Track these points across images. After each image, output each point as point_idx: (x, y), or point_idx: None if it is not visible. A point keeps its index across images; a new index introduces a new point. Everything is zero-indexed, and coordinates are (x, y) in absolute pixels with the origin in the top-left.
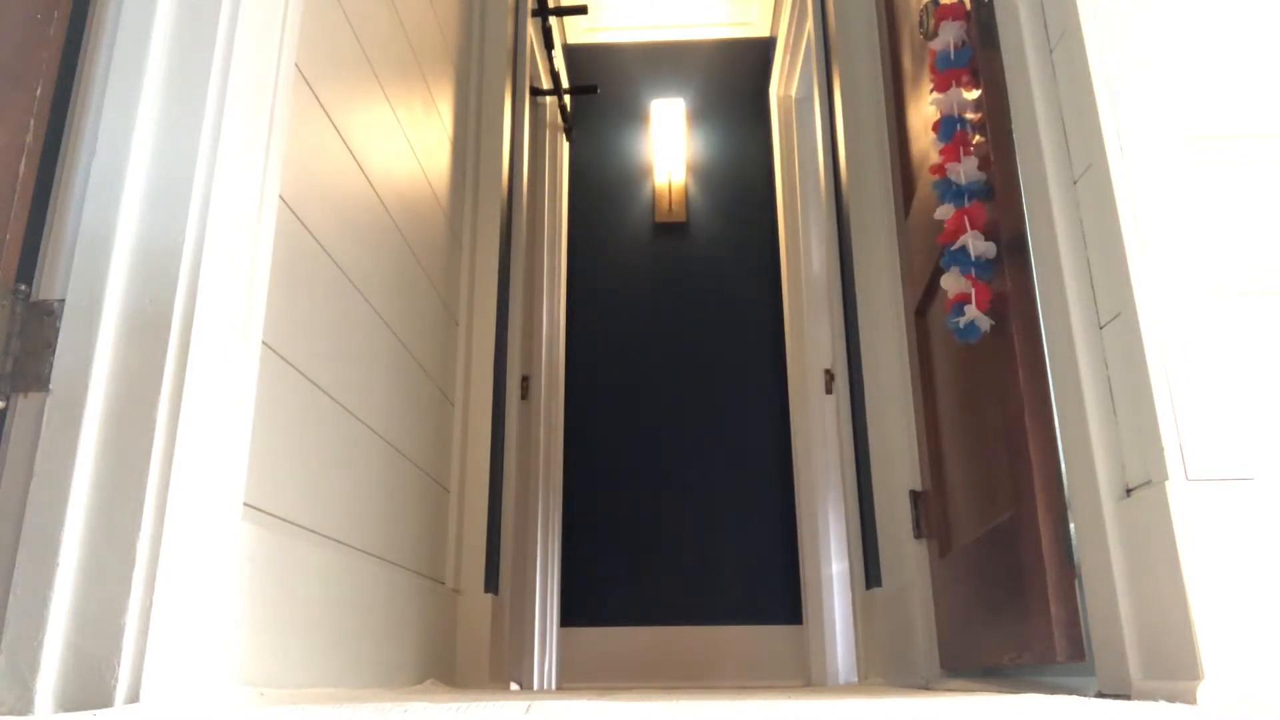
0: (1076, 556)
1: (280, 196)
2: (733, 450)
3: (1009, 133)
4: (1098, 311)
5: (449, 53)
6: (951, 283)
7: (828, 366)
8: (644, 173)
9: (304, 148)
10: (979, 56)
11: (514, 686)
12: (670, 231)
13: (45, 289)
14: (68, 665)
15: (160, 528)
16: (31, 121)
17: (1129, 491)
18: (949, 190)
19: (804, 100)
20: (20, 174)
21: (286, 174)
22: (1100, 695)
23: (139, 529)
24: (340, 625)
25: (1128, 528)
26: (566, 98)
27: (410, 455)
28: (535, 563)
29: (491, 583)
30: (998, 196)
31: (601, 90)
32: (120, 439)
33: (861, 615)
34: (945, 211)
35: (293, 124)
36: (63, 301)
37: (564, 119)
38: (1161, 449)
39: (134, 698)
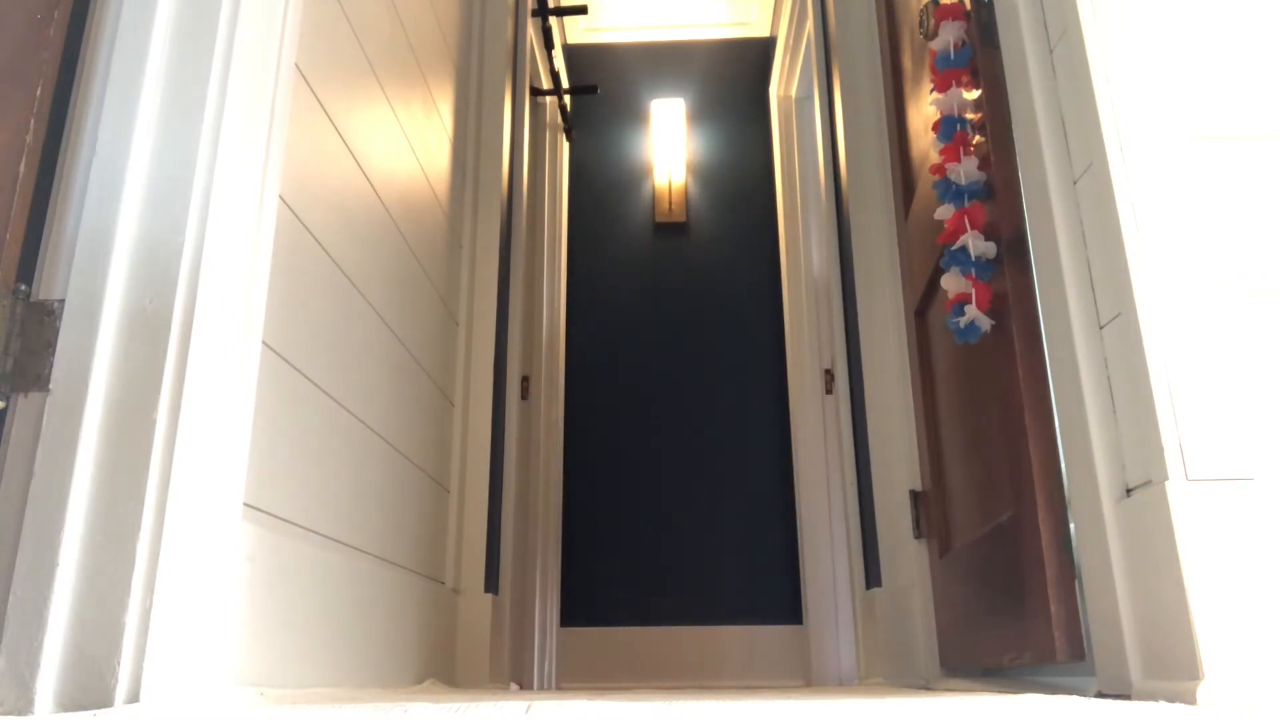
0: (1076, 556)
1: (280, 196)
2: (733, 450)
3: (1009, 133)
4: (1098, 311)
5: (449, 53)
6: (951, 283)
7: (828, 366)
8: (644, 173)
9: (304, 148)
10: (979, 56)
11: (514, 686)
12: (670, 231)
13: (45, 289)
14: (68, 665)
15: (160, 528)
16: (31, 121)
17: (1129, 491)
18: (949, 190)
19: (804, 100)
20: (20, 174)
21: (286, 174)
22: (1100, 695)
23: (139, 529)
24: (340, 625)
25: (1128, 528)
26: (566, 98)
27: (410, 455)
28: (535, 563)
29: (491, 583)
30: (998, 196)
31: (601, 90)
32: (120, 439)
33: (861, 615)
34: (945, 211)
35: (293, 124)
36: (63, 301)
37: (564, 119)
38: (1161, 449)
39: (134, 698)
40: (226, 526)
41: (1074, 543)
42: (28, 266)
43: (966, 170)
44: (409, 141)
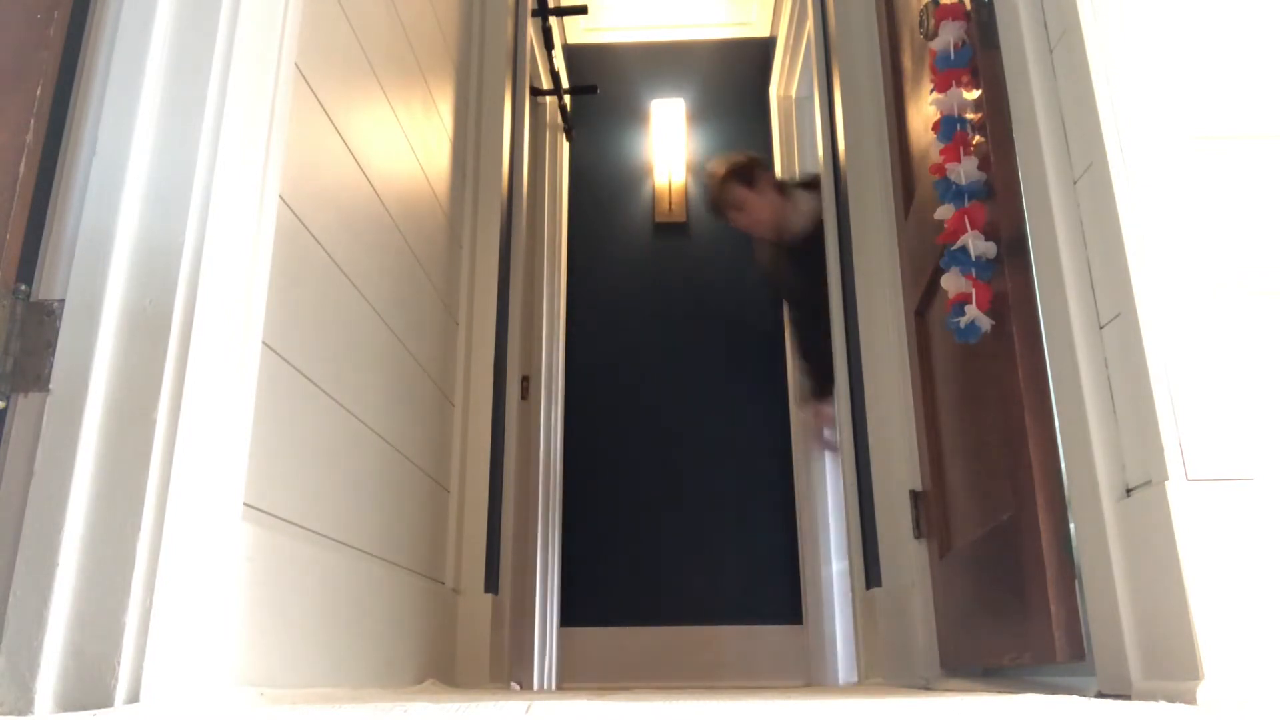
0: (1076, 556)
1: (280, 196)
2: (733, 450)
3: (1009, 133)
4: (1098, 311)
5: (449, 53)
6: (951, 283)
7: None
8: (644, 173)
9: (304, 148)
10: (979, 56)
11: (514, 686)
12: (670, 231)
13: (45, 289)
14: (68, 665)
15: (160, 528)
16: (31, 121)
17: (1129, 491)
18: (949, 190)
19: (804, 100)
20: (20, 174)
21: (286, 174)
22: (1100, 695)
23: (139, 529)
24: (340, 625)
25: (1128, 528)
26: (566, 98)
27: (410, 455)
28: (535, 563)
29: (491, 583)
30: (998, 196)
31: (601, 90)
32: (120, 439)
33: (861, 615)
34: (945, 211)
35: (293, 124)
36: (63, 301)
37: (564, 119)
38: (1161, 449)
39: (134, 698)
40: (226, 527)
41: (1074, 543)
42: (28, 266)
43: (966, 170)
44: (409, 141)
